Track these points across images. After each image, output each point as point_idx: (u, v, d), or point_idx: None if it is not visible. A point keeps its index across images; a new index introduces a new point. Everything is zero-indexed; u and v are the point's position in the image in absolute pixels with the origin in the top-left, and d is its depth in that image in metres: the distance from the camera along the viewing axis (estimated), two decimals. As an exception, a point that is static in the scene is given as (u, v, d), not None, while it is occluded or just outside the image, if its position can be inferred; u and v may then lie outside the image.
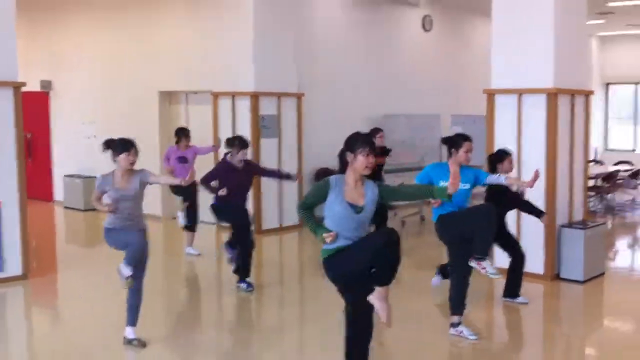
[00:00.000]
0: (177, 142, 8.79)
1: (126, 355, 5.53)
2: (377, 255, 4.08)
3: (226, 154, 7.37)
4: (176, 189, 8.71)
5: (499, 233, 6.57)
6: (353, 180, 4.22)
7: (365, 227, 4.28)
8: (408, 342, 5.79)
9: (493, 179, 5.76)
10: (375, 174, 8.73)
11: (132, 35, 11.89)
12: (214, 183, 7.19)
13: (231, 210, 7.24)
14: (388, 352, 5.50)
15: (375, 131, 8.51)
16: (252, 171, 7.51)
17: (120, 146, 5.34)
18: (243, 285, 7.24)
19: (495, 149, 8.02)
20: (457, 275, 5.82)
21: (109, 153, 5.39)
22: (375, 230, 8.64)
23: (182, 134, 8.80)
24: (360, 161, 4.17)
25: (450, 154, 5.70)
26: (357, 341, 4.36)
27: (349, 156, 4.22)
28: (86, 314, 6.64)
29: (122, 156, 5.31)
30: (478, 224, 5.63)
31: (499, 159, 6.66)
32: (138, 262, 5.43)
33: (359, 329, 4.36)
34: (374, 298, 4.16)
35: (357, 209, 4.18)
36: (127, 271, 5.36)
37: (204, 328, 6.48)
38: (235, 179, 7.18)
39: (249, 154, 7.60)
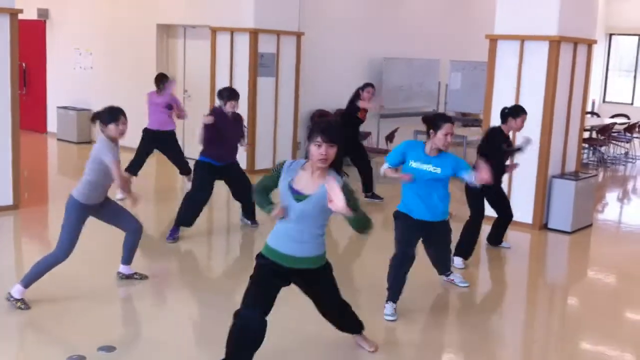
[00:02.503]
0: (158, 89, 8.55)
1: (118, 290, 5.59)
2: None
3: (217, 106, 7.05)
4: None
5: (494, 192, 6.55)
6: (311, 168, 3.73)
7: (309, 223, 3.75)
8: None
9: (471, 180, 4.99)
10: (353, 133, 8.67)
11: (130, -35, 11.65)
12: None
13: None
14: (380, 295, 5.52)
15: (365, 87, 8.63)
16: (240, 124, 7.14)
17: (108, 116, 4.96)
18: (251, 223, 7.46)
19: (495, 95, 7.99)
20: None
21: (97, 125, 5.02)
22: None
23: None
24: (312, 152, 3.65)
25: (428, 135, 5.04)
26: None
27: (307, 145, 3.72)
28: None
29: (111, 126, 4.95)
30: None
31: (514, 113, 6.49)
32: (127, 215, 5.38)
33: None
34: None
35: (298, 197, 3.71)
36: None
37: (194, 264, 6.57)
38: (229, 128, 6.90)
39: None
